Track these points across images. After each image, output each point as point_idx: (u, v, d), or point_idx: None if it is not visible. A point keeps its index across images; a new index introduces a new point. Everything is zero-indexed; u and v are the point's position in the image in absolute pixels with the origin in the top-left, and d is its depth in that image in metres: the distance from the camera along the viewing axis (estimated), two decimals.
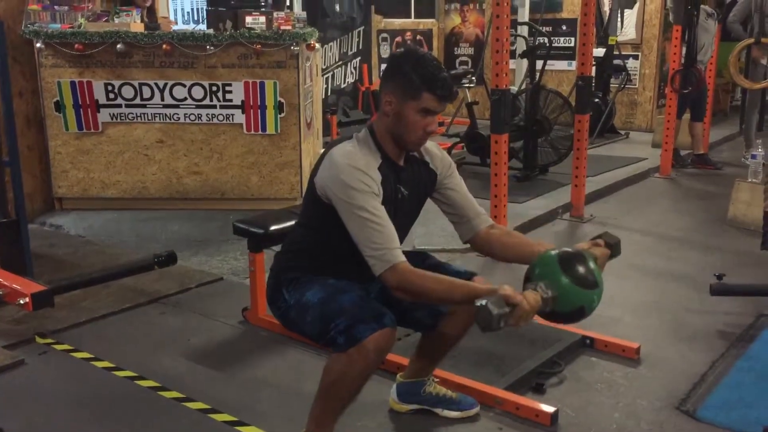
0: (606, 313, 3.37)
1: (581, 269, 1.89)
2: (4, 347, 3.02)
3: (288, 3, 7.52)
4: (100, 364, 2.92)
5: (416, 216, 2.34)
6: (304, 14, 5.47)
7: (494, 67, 4.07)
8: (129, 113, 4.96)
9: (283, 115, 4.94)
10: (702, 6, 6.14)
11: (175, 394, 2.67)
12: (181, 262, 3.72)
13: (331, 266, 2.19)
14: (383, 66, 9.42)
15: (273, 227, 3.20)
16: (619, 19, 8.20)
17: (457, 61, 9.97)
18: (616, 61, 7.99)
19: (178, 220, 4.89)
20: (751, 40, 4.23)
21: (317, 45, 5.38)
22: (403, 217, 2.21)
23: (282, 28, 5.12)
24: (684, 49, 6.04)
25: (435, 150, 2.31)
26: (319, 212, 2.13)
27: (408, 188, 2.20)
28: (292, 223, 3.22)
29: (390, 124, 2.10)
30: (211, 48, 4.83)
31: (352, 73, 8.83)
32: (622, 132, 8.29)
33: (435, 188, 2.30)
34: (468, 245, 2.34)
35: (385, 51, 9.41)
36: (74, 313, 3.38)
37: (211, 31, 4.97)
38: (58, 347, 3.07)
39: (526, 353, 2.88)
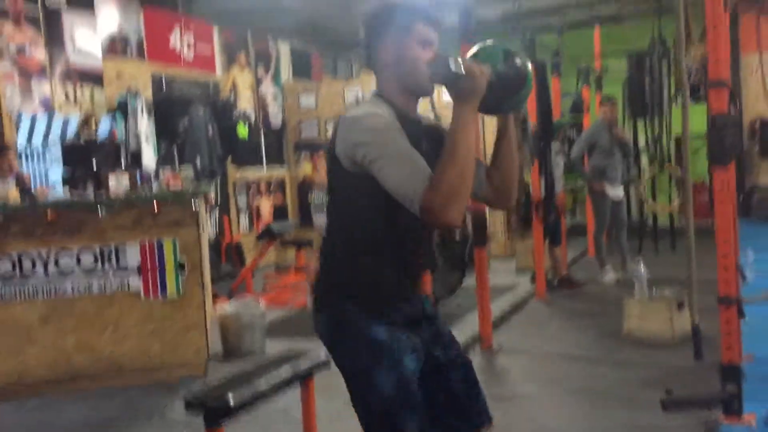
0: None
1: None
2: None
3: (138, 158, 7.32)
4: None
5: None
6: (191, 170, 5.35)
7: None
8: (5, 291, 4.45)
9: (184, 275, 4.67)
10: (552, 143, 6.82)
11: None
12: None
13: (379, 265, 1.98)
14: (242, 216, 9.36)
15: (233, 396, 2.94)
16: None
17: (312, 206, 10.10)
18: None
19: (72, 404, 4.35)
20: (657, 169, 4.76)
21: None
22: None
23: (171, 185, 4.97)
24: (542, 181, 6.62)
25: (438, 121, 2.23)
26: (350, 189, 1.94)
27: (428, 143, 2.05)
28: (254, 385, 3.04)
29: (394, 72, 1.99)
30: (104, 213, 4.53)
31: (213, 226, 8.64)
32: None
33: None
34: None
35: (242, 201, 9.36)
36: None
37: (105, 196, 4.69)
38: None
39: None
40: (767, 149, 10.55)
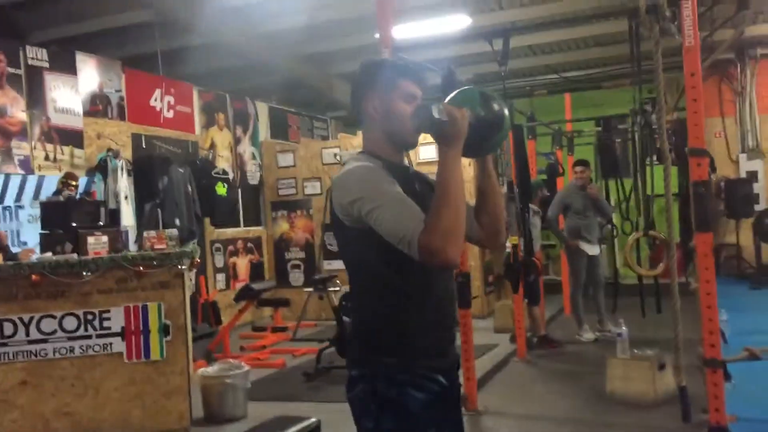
0: None
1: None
2: None
3: (115, 220, 7.27)
4: None
5: None
6: (175, 232, 5.33)
7: None
8: None
9: (168, 338, 4.62)
10: (530, 205, 6.94)
11: None
12: None
13: (403, 314, 1.97)
14: (219, 276, 9.29)
15: None
16: None
17: (289, 264, 10.10)
18: None
19: None
20: (641, 233, 4.85)
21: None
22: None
23: (156, 247, 4.95)
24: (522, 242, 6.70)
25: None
26: (359, 246, 1.97)
27: (420, 185, 2.10)
28: None
29: (382, 126, 2.07)
30: (88, 274, 4.49)
31: (189, 285, 8.56)
32: None
33: None
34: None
35: (220, 261, 9.31)
36: None
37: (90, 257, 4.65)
38: None
39: None
40: (732, 208, 10.84)
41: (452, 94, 2.05)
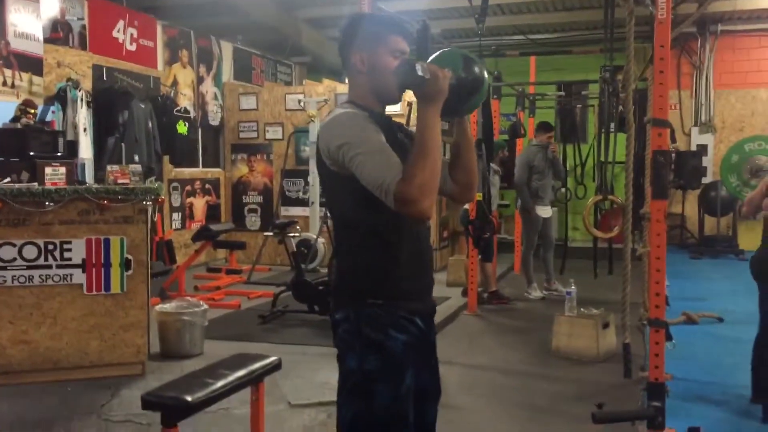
0: None
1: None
2: None
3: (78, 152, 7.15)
4: None
5: None
6: (139, 168, 5.30)
7: None
8: None
9: (130, 272, 4.64)
10: (491, 164, 7.07)
11: None
12: None
13: (388, 256, 2.06)
14: (175, 215, 9.24)
15: (191, 396, 2.98)
16: None
17: (246, 208, 10.10)
18: None
19: (5, 399, 4.24)
20: (600, 197, 5.00)
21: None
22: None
23: (119, 181, 4.92)
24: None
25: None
26: (345, 190, 2.03)
27: (401, 136, 2.19)
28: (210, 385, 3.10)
29: (368, 79, 2.12)
30: (51, 204, 4.46)
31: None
32: None
33: None
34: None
35: (176, 200, 9.25)
36: None
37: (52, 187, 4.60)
38: None
39: None
40: (681, 179, 11.18)
41: (435, 54, 2.12)
